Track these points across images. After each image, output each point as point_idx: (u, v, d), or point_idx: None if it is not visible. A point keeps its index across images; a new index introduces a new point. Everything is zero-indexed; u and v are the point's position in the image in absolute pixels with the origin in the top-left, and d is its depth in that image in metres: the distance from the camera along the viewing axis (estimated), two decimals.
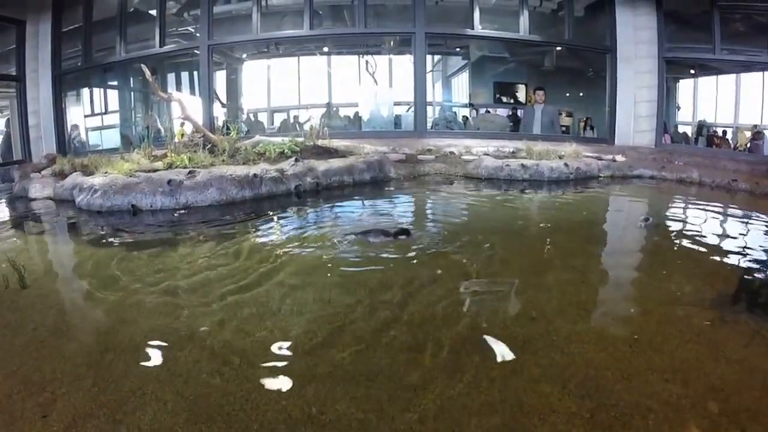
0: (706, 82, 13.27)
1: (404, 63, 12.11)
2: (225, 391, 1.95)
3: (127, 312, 2.64)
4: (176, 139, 6.63)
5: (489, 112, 13.48)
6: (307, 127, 8.29)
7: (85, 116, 12.43)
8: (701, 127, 13.08)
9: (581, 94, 14.72)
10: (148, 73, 6.58)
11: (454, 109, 14.73)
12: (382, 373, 2.09)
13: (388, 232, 4.00)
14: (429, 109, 11.76)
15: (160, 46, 10.22)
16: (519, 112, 12.98)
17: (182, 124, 7.47)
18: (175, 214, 5.06)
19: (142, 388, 1.97)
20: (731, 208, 5.98)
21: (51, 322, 2.55)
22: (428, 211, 5.57)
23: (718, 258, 3.84)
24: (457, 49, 14.76)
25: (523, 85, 13.82)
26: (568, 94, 15.09)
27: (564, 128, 13.52)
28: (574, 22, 10.51)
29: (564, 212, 5.52)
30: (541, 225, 5.00)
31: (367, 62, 13.23)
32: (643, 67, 9.97)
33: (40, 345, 2.31)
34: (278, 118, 14.16)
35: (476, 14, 9.86)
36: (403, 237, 3.98)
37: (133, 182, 5.22)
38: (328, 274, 3.25)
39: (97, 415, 1.81)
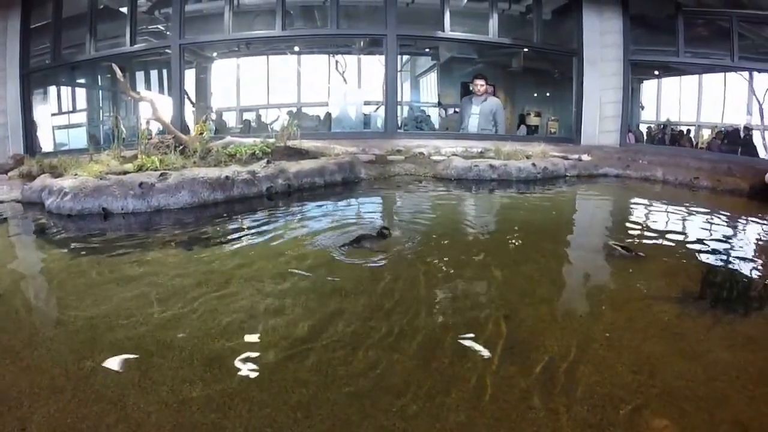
0: (670, 82, 13.57)
1: (374, 63, 12.17)
2: (208, 398, 1.96)
3: (103, 320, 2.61)
4: (142, 141, 6.58)
5: (457, 112, 13.57)
6: (277, 127, 8.30)
7: (53, 114, 12.28)
8: (665, 126, 13.37)
9: (548, 95, 14.93)
10: (118, 72, 6.53)
11: (423, 109, 14.81)
12: (363, 376, 2.14)
13: (369, 236, 4.04)
14: (398, 109, 11.82)
15: (131, 45, 10.10)
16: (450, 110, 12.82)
17: (148, 123, 7.44)
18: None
19: (123, 399, 1.94)
20: (694, 205, 6.16)
21: (26, 333, 2.51)
22: (399, 212, 5.65)
23: (682, 255, 4.00)
24: (427, 50, 14.88)
25: (492, 87, 13.96)
26: (535, 95, 15.33)
27: (533, 128, 13.72)
28: (542, 26, 10.68)
29: (531, 212, 5.66)
30: (510, 224, 5.12)
31: (337, 62, 13.25)
32: (608, 69, 10.21)
33: (16, 358, 2.26)
34: (247, 118, 14.13)
35: (447, 17, 9.95)
36: (381, 236, 4.03)
37: (103, 185, 5.18)
38: (308, 277, 3.30)
39: (79, 429, 1.79)
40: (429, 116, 13.97)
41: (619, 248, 3.88)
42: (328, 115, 13.00)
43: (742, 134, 11.86)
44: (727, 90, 12.17)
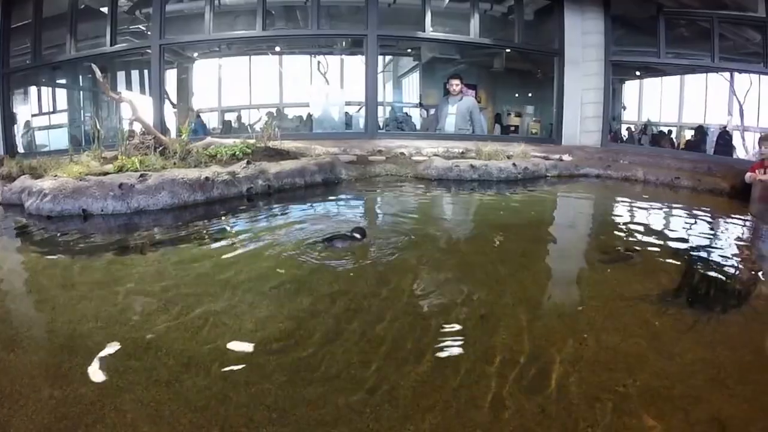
0: (651, 83, 13.71)
1: (356, 63, 12.18)
2: (185, 399, 1.98)
3: (81, 322, 2.61)
4: (123, 141, 6.54)
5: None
6: (258, 127, 8.29)
7: (33, 115, 12.18)
8: (646, 127, 13.50)
9: (530, 95, 15.01)
10: (98, 72, 6.49)
11: (405, 110, 14.83)
12: (338, 378, 2.16)
13: (347, 236, 4.05)
14: (380, 109, 11.84)
15: (111, 45, 10.02)
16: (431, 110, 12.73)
17: (131, 124, 7.40)
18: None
19: (102, 399, 1.95)
20: (674, 205, 6.31)
21: (4, 335, 2.51)
22: (377, 212, 5.71)
23: (661, 254, 4.07)
24: (409, 50, 14.93)
25: (474, 87, 13.99)
26: (517, 95, 15.40)
27: (513, 128, 13.79)
28: (523, 26, 10.79)
29: (511, 212, 5.75)
30: (488, 225, 5.17)
31: (318, 62, 13.23)
32: (590, 69, 10.30)
33: None
34: (228, 118, 14.10)
35: (428, 17, 9.99)
36: (359, 236, 4.03)
37: (83, 186, 5.17)
38: (282, 278, 3.31)
39: (57, 429, 1.80)
40: (410, 117, 14.00)
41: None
42: (310, 115, 12.99)
43: (713, 135, 12.06)
44: (709, 91, 12.33)
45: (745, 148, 11.44)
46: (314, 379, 2.14)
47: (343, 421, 1.89)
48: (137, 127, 6.78)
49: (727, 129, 12.02)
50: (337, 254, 3.79)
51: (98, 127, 6.77)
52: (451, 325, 2.64)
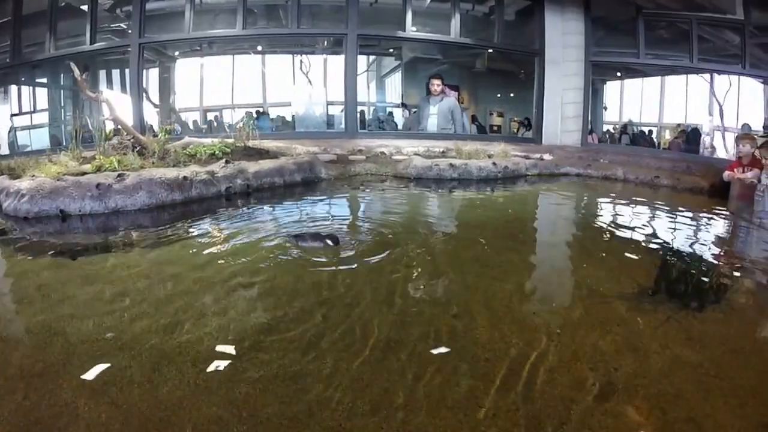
0: (632, 84, 13.84)
1: (339, 63, 12.17)
2: (157, 399, 1.99)
3: (57, 323, 2.62)
4: (101, 141, 6.51)
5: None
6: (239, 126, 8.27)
7: (12, 115, 12.07)
8: (626, 127, 13.62)
9: (512, 95, 15.09)
10: (76, 71, 6.46)
11: (389, 110, 14.85)
12: (309, 376, 2.18)
13: (320, 236, 4.04)
14: (364, 109, 11.85)
15: (91, 43, 9.98)
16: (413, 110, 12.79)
17: (116, 124, 7.35)
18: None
19: (76, 401, 1.96)
20: (654, 203, 6.41)
21: None
22: (357, 212, 5.72)
23: (639, 251, 4.14)
24: (391, 50, 14.95)
25: (456, 87, 14.02)
26: (498, 95, 15.48)
27: (495, 128, 13.85)
28: (504, 26, 10.87)
29: (490, 210, 5.82)
30: (465, 223, 5.25)
31: (301, 62, 13.22)
32: (570, 70, 10.41)
33: None
34: (210, 118, 14.06)
35: (408, 17, 10.04)
36: (331, 243, 3.98)
37: (61, 186, 5.15)
38: (259, 279, 3.34)
39: (32, 431, 1.81)
40: (392, 116, 14.03)
41: None
42: (291, 115, 12.97)
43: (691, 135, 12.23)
44: (689, 91, 12.47)
45: (725, 147, 11.56)
46: (287, 378, 2.16)
47: (313, 417, 1.91)
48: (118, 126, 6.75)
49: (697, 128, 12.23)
50: (309, 254, 3.80)
51: (77, 126, 6.73)
52: (426, 325, 2.66)
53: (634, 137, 13.54)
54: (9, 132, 11.60)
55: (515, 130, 14.04)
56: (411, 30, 10.20)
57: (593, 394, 2.06)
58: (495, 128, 14.87)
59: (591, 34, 10.44)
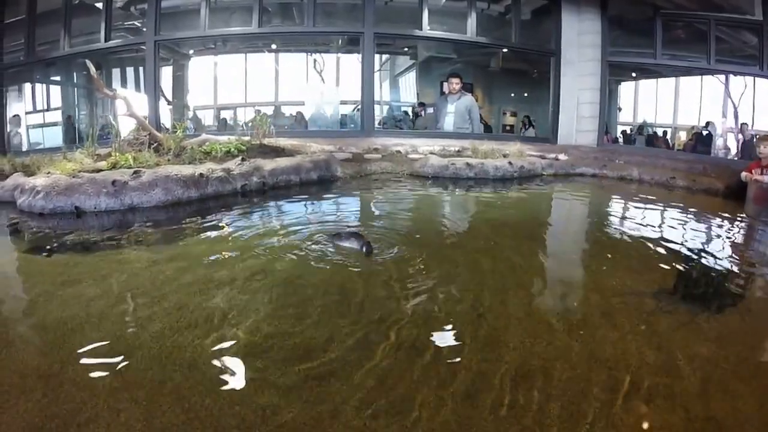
0: (647, 85, 13.72)
1: (352, 62, 12.16)
2: (179, 397, 1.94)
3: (74, 320, 2.57)
4: (116, 137, 6.49)
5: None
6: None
7: (27, 113, 12.10)
8: (641, 128, 13.53)
9: (525, 95, 15.03)
10: (92, 68, 6.45)
11: (403, 109, 14.82)
12: (335, 375, 2.13)
13: (358, 236, 3.83)
14: (377, 108, 11.82)
15: (106, 41, 9.99)
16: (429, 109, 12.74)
17: (137, 125, 7.32)
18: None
19: (94, 398, 1.91)
20: (670, 204, 6.31)
21: None
22: (376, 211, 5.62)
23: (657, 252, 4.06)
24: (405, 49, 14.91)
25: (470, 86, 13.96)
26: (512, 95, 15.41)
27: (508, 127, 13.79)
28: (520, 26, 10.76)
29: (508, 209, 5.76)
30: (485, 222, 5.16)
31: (315, 61, 13.20)
32: (586, 69, 10.30)
33: None
34: (224, 116, 14.07)
35: (425, 15, 9.97)
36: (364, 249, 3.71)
37: (76, 183, 5.12)
38: (280, 276, 3.27)
39: (49, 428, 1.76)
40: (408, 115, 14.00)
41: None
42: (304, 113, 12.94)
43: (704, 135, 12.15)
44: (704, 93, 12.37)
45: (739, 149, 11.47)
46: (309, 378, 2.10)
47: (337, 419, 1.86)
48: (133, 124, 6.74)
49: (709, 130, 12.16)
50: (334, 253, 3.73)
51: (93, 123, 6.73)
52: (449, 324, 2.61)
53: (649, 138, 13.44)
54: (19, 130, 11.61)
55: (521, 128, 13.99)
56: (427, 28, 10.12)
57: (615, 393, 2.03)
58: (507, 128, 14.79)
59: (607, 34, 10.33)
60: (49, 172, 5.50)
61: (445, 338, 2.46)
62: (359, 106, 10.54)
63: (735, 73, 10.99)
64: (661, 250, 4.09)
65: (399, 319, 2.65)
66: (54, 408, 1.85)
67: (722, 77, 11.43)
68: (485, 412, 1.90)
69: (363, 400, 1.96)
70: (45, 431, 1.75)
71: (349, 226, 4.36)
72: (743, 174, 6.63)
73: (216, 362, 2.21)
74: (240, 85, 14.24)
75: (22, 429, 1.75)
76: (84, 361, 2.20)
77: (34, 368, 2.13)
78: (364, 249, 3.69)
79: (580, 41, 10.30)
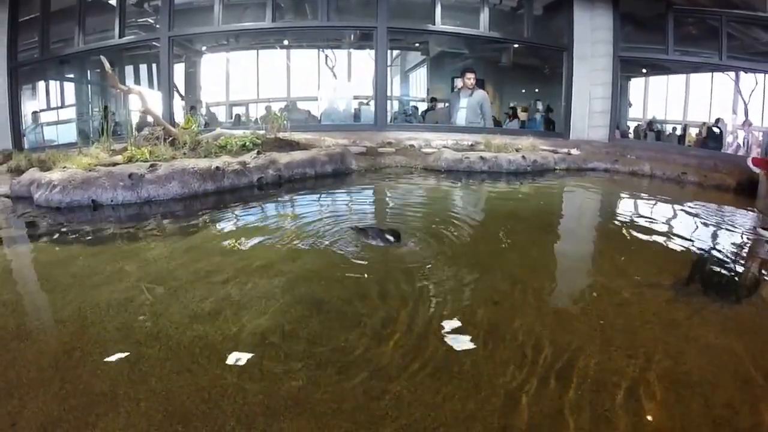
0: (657, 81, 13.67)
1: (364, 57, 12.18)
2: (198, 387, 1.93)
3: (91, 312, 2.57)
4: (131, 132, 6.53)
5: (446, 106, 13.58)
6: (268, 121, 8.26)
7: (41, 110, 12.17)
8: (651, 124, 13.49)
9: (537, 90, 14.99)
10: (107, 65, 6.48)
11: (413, 104, 14.81)
12: (354, 363, 2.13)
13: (388, 233, 3.77)
14: (389, 102, 11.84)
15: (120, 38, 10.04)
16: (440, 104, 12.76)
17: (154, 120, 7.35)
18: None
19: (113, 390, 1.91)
20: (682, 199, 6.30)
21: (13, 325, 2.46)
22: (394, 204, 5.64)
23: (672, 245, 4.09)
24: (417, 45, 14.89)
25: (481, 81, 13.92)
26: (524, 90, 15.37)
27: (521, 123, 13.74)
28: (532, 21, 10.77)
29: (523, 202, 5.83)
30: (501, 214, 5.20)
31: (327, 56, 13.22)
32: (598, 65, 10.27)
33: (3, 350, 2.22)
34: (237, 112, 14.10)
35: (438, 10, 9.98)
36: (392, 240, 3.71)
37: (92, 177, 5.14)
38: (297, 268, 3.26)
39: (68, 419, 1.75)
40: (417, 110, 14.00)
41: None
42: (317, 108, 12.96)
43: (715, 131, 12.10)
44: (714, 89, 12.33)
45: (748, 145, 11.44)
46: (331, 364, 2.12)
47: (359, 407, 1.86)
48: (148, 119, 6.77)
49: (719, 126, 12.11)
50: (355, 247, 3.71)
51: (108, 118, 6.76)
52: (461, 314, 2.62)
53: (659, 134, 13.40)
54: (34, 127, 11.68)
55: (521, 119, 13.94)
56: (440, 23, 10.12)
57: (633, 381, 2.04)
58: (520, 123, 14.75)
59: (620, 30, 10.30)
60: (65, 167, 5.53)
61: (458, 331, 2.45)
62: (366, 101, 10.53)
63: (747, 70, 10.94)
64: (675, 244, 4.11)
65: (417, 312, 2.66)
66: (72, 400, 1.85)
67: (732, 74, 11.38)
68: (505, 403, 1.90)
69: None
70: (64, 422, 1.74)
71: (369, 220, 4.36)
72: (750, 161, 6.63)
73: (236, 352, 2.21)
74: (252, 81, 14.26)
75: (41, 422, 1.75)
76: (102, 351, 2.21)
77: (52, 360, 2.14)
78: (391, 239, 3.69)
79: (593, 37, 10.27)
